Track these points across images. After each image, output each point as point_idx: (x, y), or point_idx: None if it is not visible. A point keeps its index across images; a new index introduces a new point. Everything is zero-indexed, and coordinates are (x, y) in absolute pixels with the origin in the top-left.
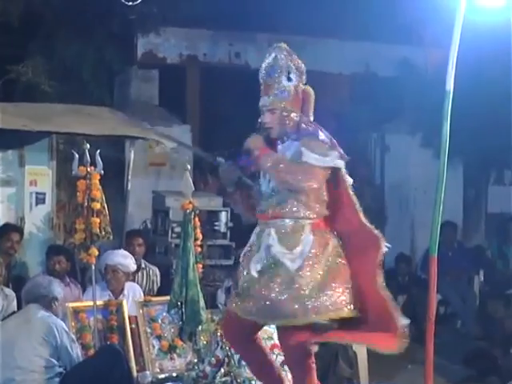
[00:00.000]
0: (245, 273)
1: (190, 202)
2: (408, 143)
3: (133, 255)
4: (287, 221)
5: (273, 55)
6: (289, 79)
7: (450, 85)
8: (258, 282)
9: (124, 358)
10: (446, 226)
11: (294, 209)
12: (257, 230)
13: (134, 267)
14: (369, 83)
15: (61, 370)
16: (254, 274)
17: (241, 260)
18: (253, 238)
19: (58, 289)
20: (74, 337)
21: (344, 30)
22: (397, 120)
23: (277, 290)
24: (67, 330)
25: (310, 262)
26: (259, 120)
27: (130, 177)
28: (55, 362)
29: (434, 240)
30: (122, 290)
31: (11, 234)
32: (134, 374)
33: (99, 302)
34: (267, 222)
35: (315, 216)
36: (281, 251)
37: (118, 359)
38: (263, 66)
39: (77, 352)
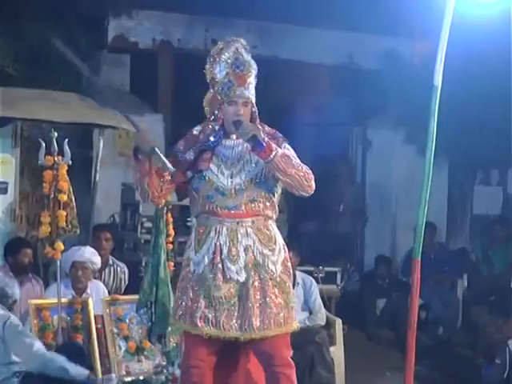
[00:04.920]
0: (216, 281)
1: None
2: (391, 139)
3: (100, 251)
4: (260, 218)
5: (233, 48)
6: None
7: (438, 80)
8: (241, 290)
9: (86, 356)
10: (426, 228)
11: (261, 205)
12: (215, 228)
13: (99, 265)
14: (351, 75)
15: (18, 368)
16: (240, 279)
17: (194, 263)
18: (214, 237)
19: (17, 290)
20: (24, 329)
21: (327, 19)
22: (380, 115)
23: (272, 297)
24: (18, 322)
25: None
26: (215, 110)
27: (98, 167)
28: (12, 360)
29: (419, 242)
30: (86, 288)
31: None
32: (99, 376)
33: (63, 300)
34: (238, 219)
35: (275, 216)
36: (263, 252)
37: (80, 357)
38: (225, 56)
39: (33, 343)
